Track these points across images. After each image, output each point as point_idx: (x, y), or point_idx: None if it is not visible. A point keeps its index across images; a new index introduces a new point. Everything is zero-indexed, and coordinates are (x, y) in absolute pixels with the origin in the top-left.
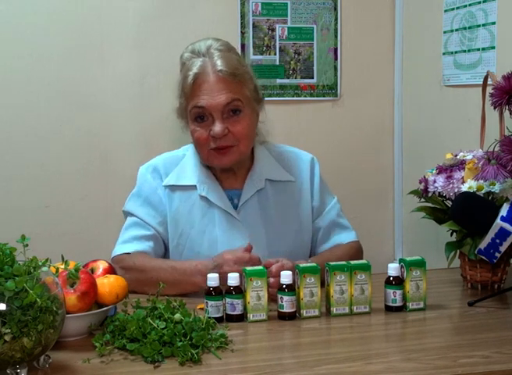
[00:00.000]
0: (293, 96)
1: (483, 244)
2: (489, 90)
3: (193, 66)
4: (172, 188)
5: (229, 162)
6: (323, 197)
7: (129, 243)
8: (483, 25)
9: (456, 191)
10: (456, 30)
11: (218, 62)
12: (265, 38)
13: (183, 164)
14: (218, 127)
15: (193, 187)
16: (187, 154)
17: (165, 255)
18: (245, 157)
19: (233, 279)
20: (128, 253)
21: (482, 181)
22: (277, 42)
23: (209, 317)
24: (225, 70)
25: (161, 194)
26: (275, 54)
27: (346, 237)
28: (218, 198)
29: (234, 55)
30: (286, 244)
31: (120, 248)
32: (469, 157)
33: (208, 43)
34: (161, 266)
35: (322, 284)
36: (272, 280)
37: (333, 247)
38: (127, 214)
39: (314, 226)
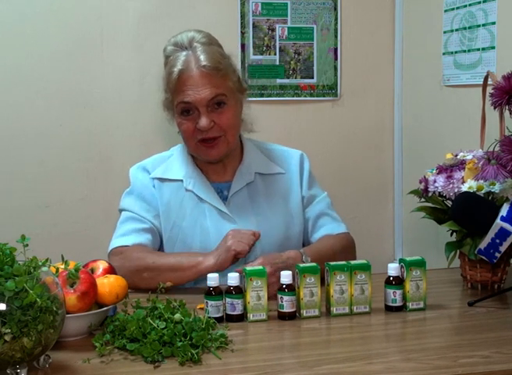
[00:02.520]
0: (293, 96)
1: (483, 244)
2: (489, 90)
3: (177, 61)
4: (161, 180)
5: (217, 155)
6: (312, 189)
7: (127, 235)
8: (483, 25)
9: (456, 191)
10: (456, 30)
11: (202, 57)
12: (265, 38)
13: (170, 161)
14: (203, 121)
15: (181, 181)
16: (175, 153)
17: (160, 249)
18: (233, 148)
19: (233, 279)
20: (127, 245)
21: (482, 181)
22: (277, 42)
23: (209, 317)
24: (208, 66)
25: (153, 190)
26: (275, 54)
27: (336, 228)
28: (205, 193)
29: (216, 48)
30: (277, 235)
31: (119, 241)
32: (469, 157)
33: (190, 35)
34: (164, 253)
35: (322, 282)
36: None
37: (324, 237)
38: (122, 210)
39: (303, 216)
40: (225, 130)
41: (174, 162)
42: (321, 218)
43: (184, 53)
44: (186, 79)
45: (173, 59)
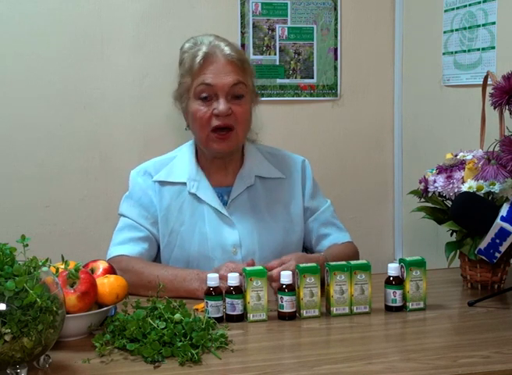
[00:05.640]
0: (293, 96)
1: (483, 244)
2: (489, 90)
3: (202, 46)
4: (162, 184)
5: (227, 147)
6: (316, 198)
7: (125, 244)
8: (483, 25)
9: (456, 191)
10: (456, 30)
11: (227, 49)
12: (265, 38)
13: (174, 163)
14: (223, 105)
15: (183, 184)
16: (179, 154)
17: (157, 255)
18: (240, 144)
19: (233, 279)
20: (125, 255)
21: (482, 181)
22: (277, 42)
23: (209, 317)
24: (233, 55)
25: (152, 195)
26: (275, 54)
27: (341, 238)
28: (207, 196)
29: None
30: (276, 241)
31: (116, 250)
32: (469, 157)
33: (211, 38)
34: (160, 271)
35: (322, 284)
36: (274, 284)
37: (332, 246)
38: (120, 216)
39: (307, 226)
40: (240, 121)
41: (177, 164)
42: (326, 227)
43: (205, 46)
44: (211, 63)
45: (195, 49)
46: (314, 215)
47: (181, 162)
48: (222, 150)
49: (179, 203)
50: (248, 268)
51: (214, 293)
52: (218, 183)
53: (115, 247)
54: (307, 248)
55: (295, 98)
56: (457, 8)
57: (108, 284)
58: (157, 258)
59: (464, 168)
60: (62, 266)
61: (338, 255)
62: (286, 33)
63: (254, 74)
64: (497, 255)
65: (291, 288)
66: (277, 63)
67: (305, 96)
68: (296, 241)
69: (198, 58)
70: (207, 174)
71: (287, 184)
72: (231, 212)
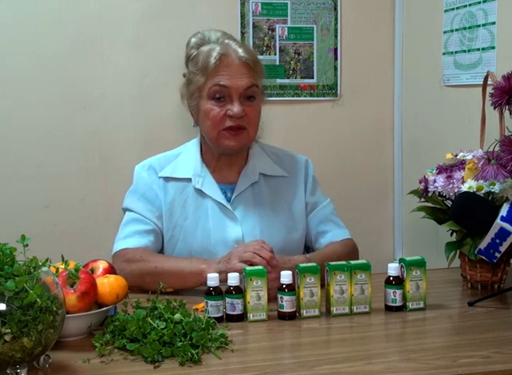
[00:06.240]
0: (293, 96)
1: (483, 244)
2: (489, 90)
3: (216, 47)
4: (167, 180)
5: (238, 144)
6: (317, 195)
7: (130, 238)
8: (483, 25)
9: (456, 191)
10: (456, 30)
11: (240, 50)
12: (265, 38)
13: (179, 160)
14: (237, 108)
15: (188, 179)
16: (183, 151)
17: (162, 249)
18: (250, 144)
19: (233, 279)
20: (130, 248)
21: (482, 181)
22: (277, 42)
23: (209, 317)
24: (247, 57)
25: (157, 189)
26: (275, 54)
27: (340, 235)
28: (212, 191)
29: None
30: (279, 238)
31: (122, 243)
32: (469, 157)
33: (218, 33)
34: (167, 257)
35: (322, 283)
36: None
37: (329, 243)
38: (125, 210)
39: (307, 222)
40: (252, 122)
41: (183, 160)
42: (325, 224)
43: (217, 46)
44: (226, 64)
45: (209, 47)
46: (313, 211)
47: (186, 159)
48: (234, 147)
49: (183, 198)
50: (248, 268)
51: (214, 293)
52: (222, 180)
53: (121, 241)
54: (308, 246)
55: (295, 98)
56: (457, 8)
57: (108, 284)
58: (161, 252)
59: (463, 168)
60: (62, 266)
61: (330, 256)
62: (286, 33)
63: (264, 74)
64: (497, 255)
65: (291, 288)
66: (277, 63)
67: (305, 96)
68: (297, 238)
69: (213, 59)
70: (211, 171)
71: (290, 183)
72: (234, 208)
